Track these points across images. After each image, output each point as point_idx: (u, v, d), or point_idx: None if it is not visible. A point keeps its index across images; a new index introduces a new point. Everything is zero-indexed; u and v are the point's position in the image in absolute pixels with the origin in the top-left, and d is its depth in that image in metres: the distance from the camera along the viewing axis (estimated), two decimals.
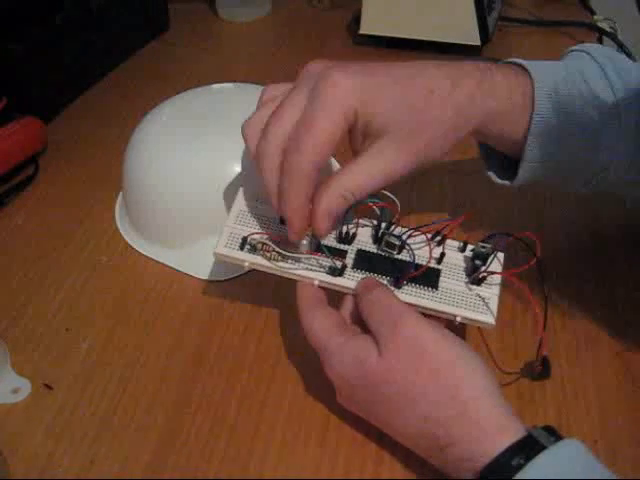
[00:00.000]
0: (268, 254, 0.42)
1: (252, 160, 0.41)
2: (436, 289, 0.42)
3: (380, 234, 0.43)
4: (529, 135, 0.43)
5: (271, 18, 0.93)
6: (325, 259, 0.42)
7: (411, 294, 0.41)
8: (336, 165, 0.56)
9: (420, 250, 0.43)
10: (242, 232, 0.43)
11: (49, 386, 0.45)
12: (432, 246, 0.43)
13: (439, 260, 0.43)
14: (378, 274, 0.42)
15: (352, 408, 0.40)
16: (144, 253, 0.55)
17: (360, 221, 0.44)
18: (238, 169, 0.51)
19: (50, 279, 0.53)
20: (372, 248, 0.44)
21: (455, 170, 0.60)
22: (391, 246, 0.43)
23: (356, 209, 0.42)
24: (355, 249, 0.44)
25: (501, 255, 0.43)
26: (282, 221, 0.41)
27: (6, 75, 0.65)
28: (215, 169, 0.51)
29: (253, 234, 0.43)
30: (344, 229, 0.43)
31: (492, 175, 0.48)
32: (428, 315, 0.41)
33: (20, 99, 0.64)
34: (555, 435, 0.34)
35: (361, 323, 0.41)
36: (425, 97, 0.40)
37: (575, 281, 0.51)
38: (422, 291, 0.41)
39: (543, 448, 0.33)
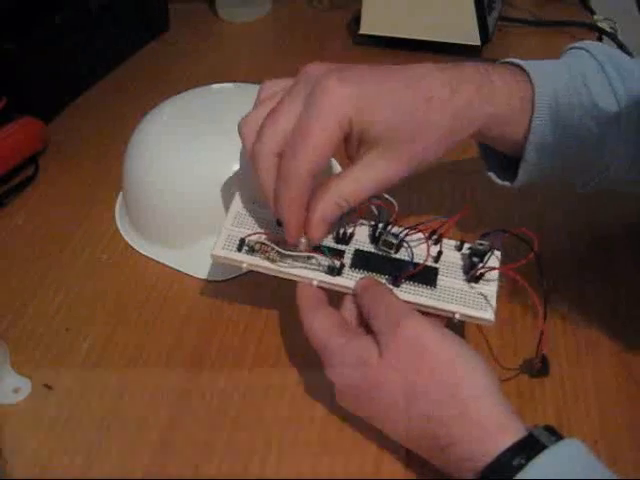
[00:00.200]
0: (266, 255, 0.42)
1: (248, 159, 0.41)
2: (434, 287, 0.42)
3: (377, 233, 0.43)
4: (528, 141, 0.43)
5: (271, 18, 0.93)
6: (323, 258, 0.42)
7: (409, 292, 0.41)
8: (336, 165, 0.56)
9: (417, 249, 0.43)
10: (240, 234, 0.43)
11: (49, 386, 0.45)
12: (429, 244, 0.43)
13: (437, 258, 0.43)
14: (376, 273, 0.42)
15: (352, 408, 0.40)
16: (144, 253, 0.55)
17: (358, 221, 0.44)
18: (238, 169, 0.51)
19: (50, 279, 0.53)
20: (370, 248, 0.44)
21: (455, 170, 0.60)
22: (389, 245, 0.43)
23: (354, 209, 0.42)
24: (353, 249, 0.44)
25: (498, 252, 0.43)
26: (279, 223, 0.41)
27: (6, 75, 0.65)
28: (215, 169, 0.51)
29: (251, 235, 0.43)
30: (341, 229, 0.43)
31: (492, 176, 0.48)
32: (427, 313, 0.41)
33: (20, 99, 0.64)
34: (556, 435, 0.34)
35: (361, 323, 0.41)
36: (424, 103, 0.40)
37: (576, 281, 0.51)
38: (420, 289, 0.42)
39: (544, 448, 0.33)
